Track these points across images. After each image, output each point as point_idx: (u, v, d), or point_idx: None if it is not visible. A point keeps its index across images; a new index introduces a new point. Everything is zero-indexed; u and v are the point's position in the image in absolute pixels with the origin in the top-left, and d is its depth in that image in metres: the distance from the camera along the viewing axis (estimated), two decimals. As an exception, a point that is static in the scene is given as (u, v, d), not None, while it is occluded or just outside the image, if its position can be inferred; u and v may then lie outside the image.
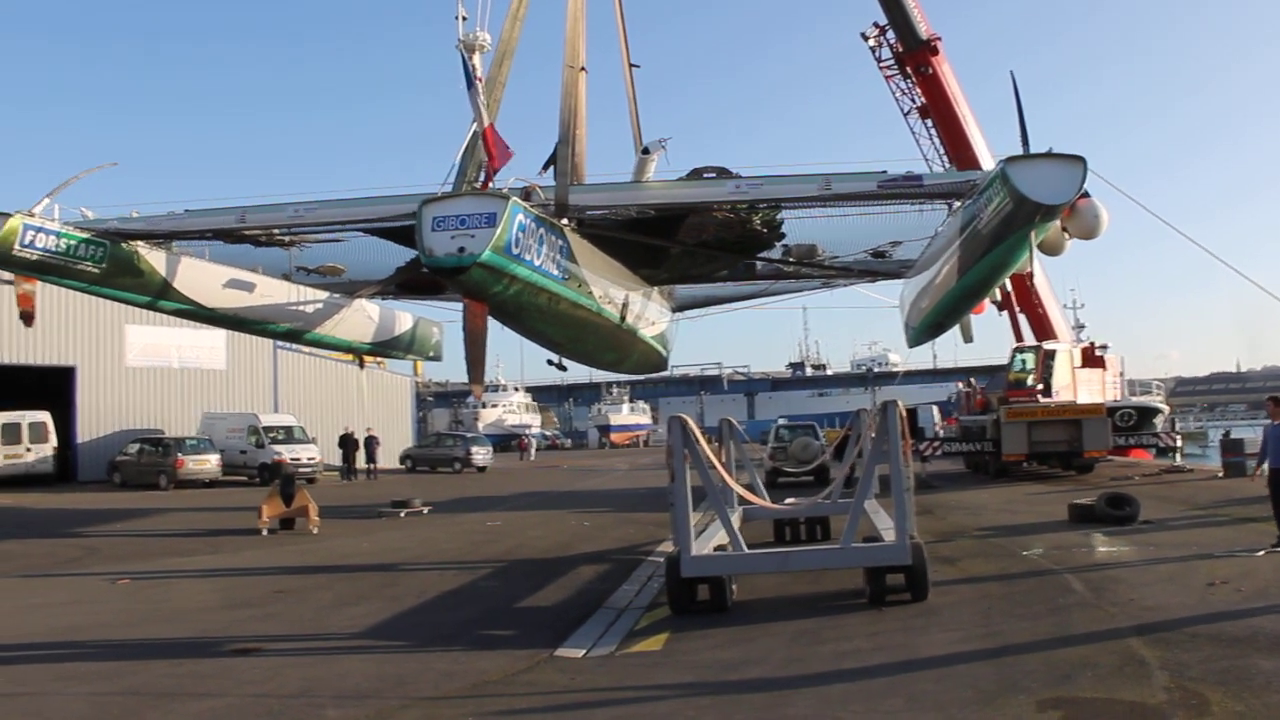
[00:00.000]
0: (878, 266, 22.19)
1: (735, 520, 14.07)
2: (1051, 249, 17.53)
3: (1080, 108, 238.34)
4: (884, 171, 16.39)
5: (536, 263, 15.10)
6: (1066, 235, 17.04)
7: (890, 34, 37.18)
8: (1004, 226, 14.61)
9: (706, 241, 20.30)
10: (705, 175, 18.70)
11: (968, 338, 24.23)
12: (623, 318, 20.03)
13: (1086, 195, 15.33)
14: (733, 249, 20.98)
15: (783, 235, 20.20)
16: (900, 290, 24.42)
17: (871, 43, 38.15)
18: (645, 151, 21.11)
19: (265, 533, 21.72)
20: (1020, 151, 14.52)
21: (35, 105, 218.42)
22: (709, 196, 17.90)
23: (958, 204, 16.76)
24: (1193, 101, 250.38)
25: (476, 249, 13.58)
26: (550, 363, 24.14)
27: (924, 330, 23.41)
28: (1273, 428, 14.32)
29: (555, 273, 15.96)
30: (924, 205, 17.67)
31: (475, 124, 16.99)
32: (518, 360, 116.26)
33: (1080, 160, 13.73)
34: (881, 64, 38.26)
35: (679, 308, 27.72)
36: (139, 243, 19.14)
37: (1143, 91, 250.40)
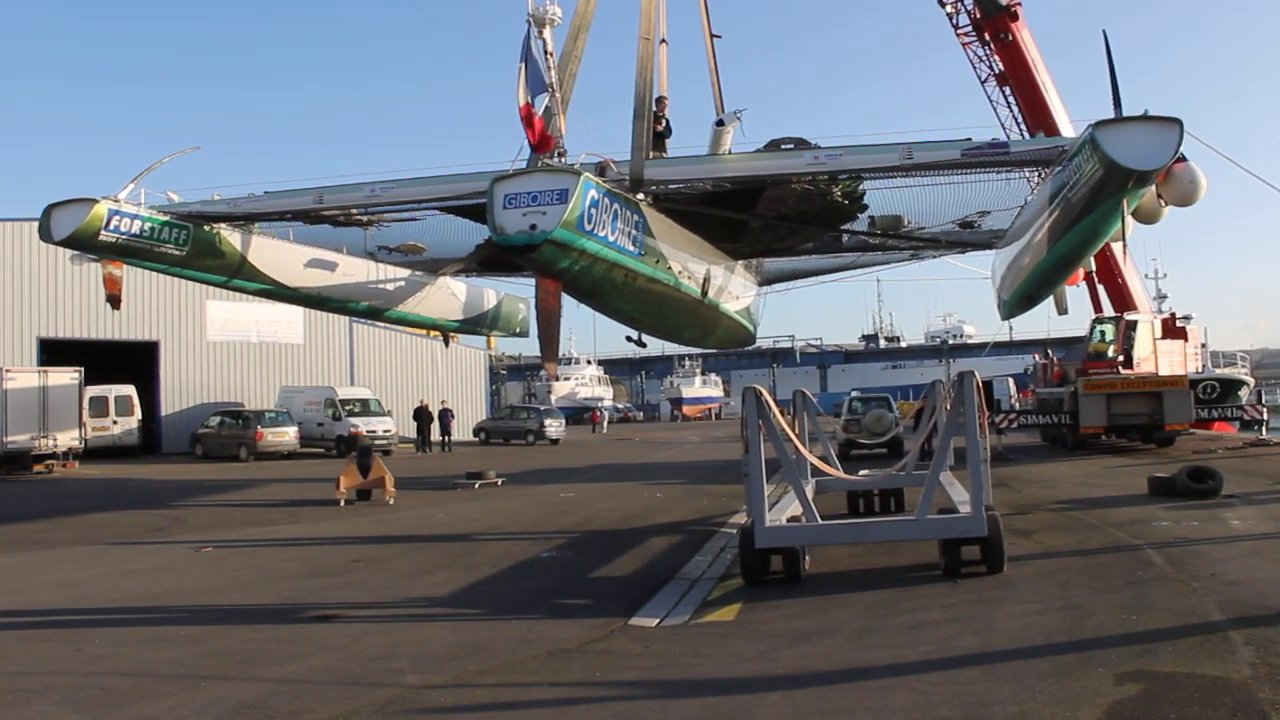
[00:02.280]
0: (966, 237, 21.75)
1: (809, 492, 14.04)
2: (1147, 217, 16.85)
3: (1186, 69, 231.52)
4: (968, 139, 15.94)
5: (610, 238, 14.94)
6: (1162, 202, 16.41)
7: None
8: (1095, 194, 14.00)
9: (787, 214, 19.95)
10: (783, 146, 18.36)
11: (1062, 309, 23.67)
12: (704, 292, 19.84)
13: (1183, 159, 14.68)
14: (815, 221, 20.61)
15: (865, 206, 19.83)
16: (991, 261, 23.92)
17: (949, 9, 37.39)
18: (720, 123, 20.85)
19: (343, 503, 22.13)
20: (1112, 115, 13.83)
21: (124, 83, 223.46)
22: (787, 168, 17.48)
23: (1046, 171, 16.31)
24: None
25: (548, 225, 13.45)
26: (630, 339, 24.04)
27: (1016, 302, 22.82)
28: None
29: (630, 248, 15.81)
30: (1011, 173, 17.24)
31: (547, 98, 16.95)
32: (590, 333, 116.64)
33: (1175, 122, 12.95)
34: (959, 30, 37.44)
35: (766, 281, 27.47)
36: (220, 224, 19.39)
37: (1254, 46, 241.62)
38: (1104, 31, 14.71)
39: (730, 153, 19.36)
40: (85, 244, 18.00)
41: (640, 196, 16.27)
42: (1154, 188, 15.25)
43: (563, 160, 16.13)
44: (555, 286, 15.15)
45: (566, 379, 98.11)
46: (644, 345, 24.95)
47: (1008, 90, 36.97)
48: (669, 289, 18.16)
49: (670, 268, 17.73)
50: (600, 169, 15.67)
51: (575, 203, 13.57)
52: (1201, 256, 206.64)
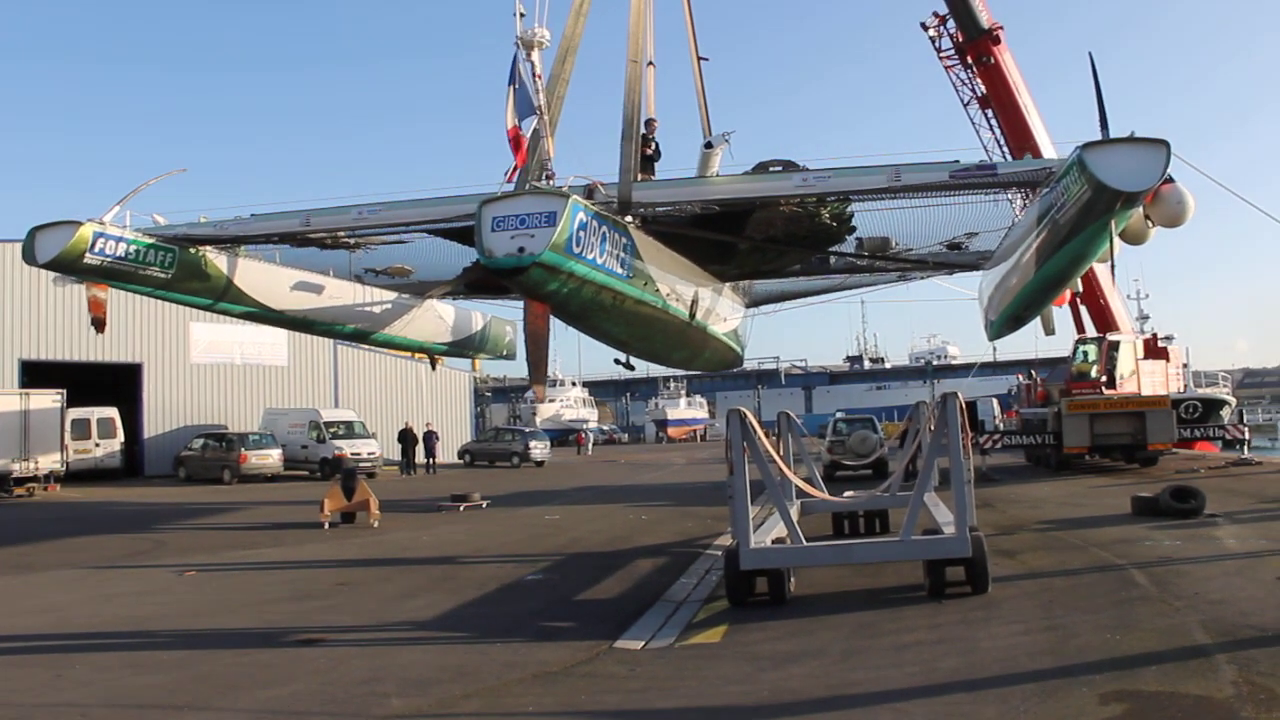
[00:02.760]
0: (953, 259, 21.81)
1: (794, 513, 14.04)
2: (1134, 238, 16.76)
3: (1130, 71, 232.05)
4: (956, 161, 15.93)
5: (599, 261, 14.89)
6: (1150, 224, 16.44)
7: (951, 23, 36.69)
8: (1082, 215, 13.97)
9: (775, 236, 19.88)
10: (771, 169, 18.34)
11: (1049, 330, 23.65)
12: (692, 315, 19.78)
13: (1170, 180, 14.67)
14: (803, 243, 20.59)
15: (853, 228, 19.77)
16: (979, 282, 23.84)
17: (931, 32, 37.56)
18: (708, 145, 20.74)
19: (327, 526, 22.03)
20: (1099, 137, 13.79)
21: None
22: (775, 190, 17.30)
23: (1033, 194, 16.30)
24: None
25: (536, 248, 13.39)
26: (618, 362, 23.81)
27: (1004, 323, 22.70)
28: None
29: (619, 271, 15.75)
30: (999, 195, 17.26)
31: (535, 122, 16.94)
32: (575, 355, 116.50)
33: (1163, 144, 12.96)
34: (941, 54, 37.66)
35: (754, 303, 27.41)
36: (206, 247, 19.30)
37: (1200, 45, 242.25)
38: (1090, 54, 14.79)
39: (718, 175, 19.34)
40: (70, 267, 17.88)
41: (628, 219, 16.21)
42: (1141, 209, 15.31)
43: (551, 183, 16.11)
44: (544, 309, 15.10)
45: (551, 401, 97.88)
46: (632, 368, 24.84)
47: (990, 113, 37.18)
48: (657, 311, 18.11)
49: (658, 290, 17.67)
50: (588, 191, 15.59)
51: (563, 225, 13.52)
52: (1185, 276, 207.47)
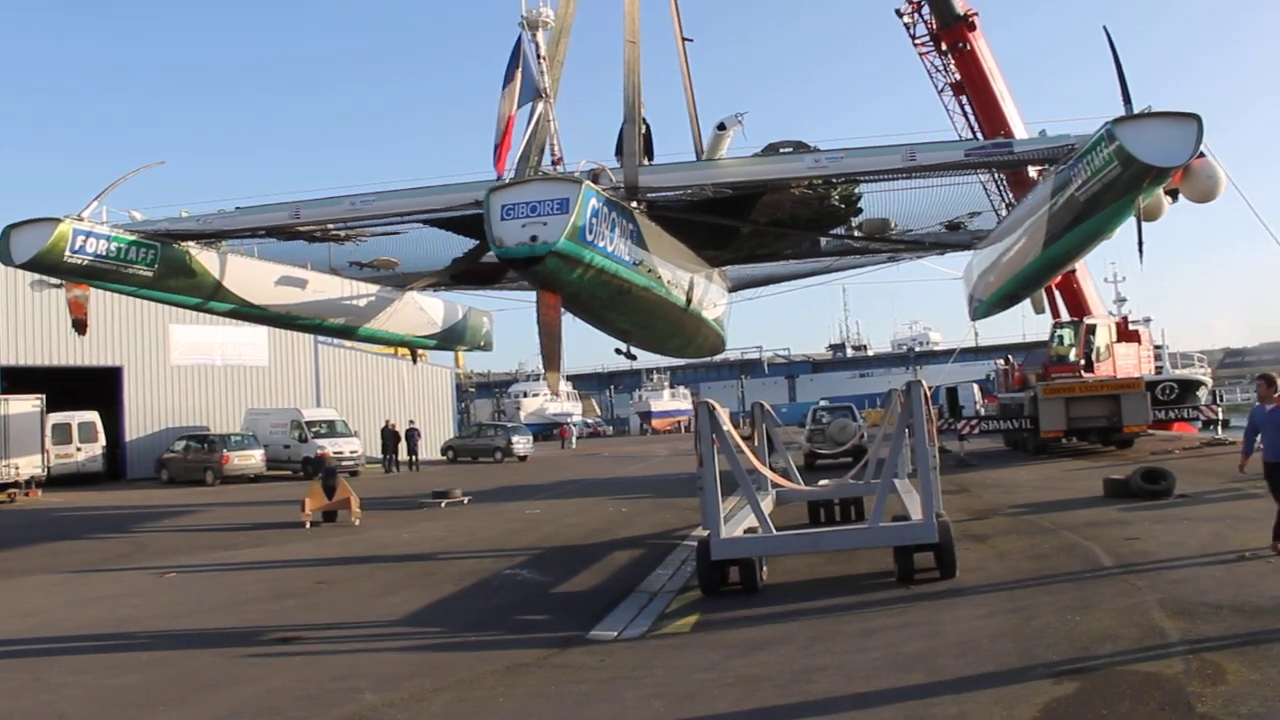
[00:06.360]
0: (949, 239, 21.67)
1: (768, 504, 14.19)
2: (1151, 213, 16.23)
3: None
4: (971, 139, 15.89)
5: (609, 249, 14.56)
6: (1169, 200, 16.18)
7: (926, 9, 36.69)
8: (1106, 191, 13.83)
9: (781, 220, 19.50)
10: (782, 150, 18.05)
11: (1039, 309, 23.53)
12: (689, 301, 19.47)
13: (1201, 155, 14.28)
14: (806, 226, 20.25)
15: (860, 210, 19.55)
16: (968, 262, 23.71)
17: (906, 19, 37.57)
18: (720, 127, 20.20)
19: (308, 525, 22.08)
20: (1122, 112, 13.50)
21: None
22: (787, 173, 16.93)
23: (995, 175, 16.14)
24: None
25: (550, 237, 13.11)
26: (619, 352, 23.30)
27: (995, 302, 22.54)
28: (1260, 411, 12.25)
29: (627, 258, 15.41)
30: (969, 176, 17.13)
31: (538, 105, 16.66)
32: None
33: (1194, 118, 12.87)
34: (916, 40, 37.61)
35: (735, 288, 27.18)
36: (190, 243, 18.94)
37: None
38: (1105, 28, 14.58)
39: (728, 158, 18.97)
40: (50, 267, 17.47)
41: (634, 204, 15.90)
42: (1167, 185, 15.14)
43: (559, 167, 15.82)
44: (556, 299, 14.70)
45: (535, 395, 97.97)
46: (634, 358, 24.40)
47: (964, 99, 37.22)
48: (659, 299, 17.78)
49: (660, 277, 17.33)
50: (594, 176, 15.28)
51: (577, 212, 13.25)
52: (1162, 255, 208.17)
